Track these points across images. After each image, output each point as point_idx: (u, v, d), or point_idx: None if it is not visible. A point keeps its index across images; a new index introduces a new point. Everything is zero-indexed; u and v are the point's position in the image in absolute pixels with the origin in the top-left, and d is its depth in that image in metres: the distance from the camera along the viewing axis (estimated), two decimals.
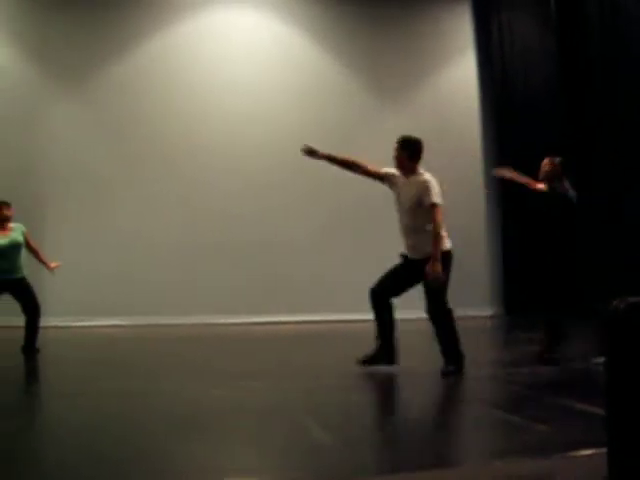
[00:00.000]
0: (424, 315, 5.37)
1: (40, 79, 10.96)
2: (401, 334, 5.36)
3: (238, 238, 10.64)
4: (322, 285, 10.28)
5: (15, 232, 6.84)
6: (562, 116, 10.49)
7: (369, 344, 5.26)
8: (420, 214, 5.22)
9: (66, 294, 9.98)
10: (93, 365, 6.20)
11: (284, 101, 11.27)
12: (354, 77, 11.63)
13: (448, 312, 5.35)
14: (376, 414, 3.88)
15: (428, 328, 5.39)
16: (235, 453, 3.04)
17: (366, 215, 10.59)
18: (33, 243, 7.03)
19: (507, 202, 10.95)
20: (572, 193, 6.00)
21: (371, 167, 5.57)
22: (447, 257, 5.35)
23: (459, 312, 10.56)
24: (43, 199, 10.64)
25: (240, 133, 11.10)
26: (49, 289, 8.75)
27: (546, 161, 6.15)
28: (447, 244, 5.37)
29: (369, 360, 5.14)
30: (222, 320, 10.24)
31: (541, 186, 6.08)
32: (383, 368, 5.20)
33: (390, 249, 11.36)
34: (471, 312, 10.87)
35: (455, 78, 11.96)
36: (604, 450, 2.10)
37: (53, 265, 7.16)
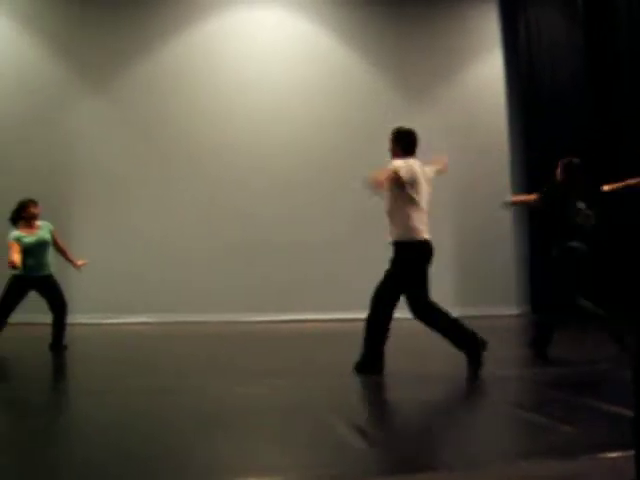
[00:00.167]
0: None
1: (67, 77, 11.08)
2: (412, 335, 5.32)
3: (263, 237, 10.67)
4: (348, 283, 10.25)
5: (42, 230, 6.92)
6: (589, 111, 10.37)
7: (392, 342, 5.24)
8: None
9: (93, 291, 10.10)
10: (120, 362, 6.25)
11: (310, 100, 11.28)
12: (380, 75, 11.59)
13: (429, 305, 5.19)
14: (400, 412, 3.87)
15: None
16: (260, 451, 3.05)
17: None
18: (60, 241, 7.11)
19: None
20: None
21: None
22: (422, 248, 5.21)
23: (485, 310, 10.64)
24: (70, 197, 10.76)
25: (265, 132, 11.12)
26: (76, 286, 8.85)
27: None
28: (423, 234, 5.20)
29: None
30: (247, 318, 10.28)
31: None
32: (409, 368, 5.19)
33: None
34: (497, 311, 10.83)
35: (482, 75, 11.88)
36: (631, 452, 2.07)
37: (80, 263, 7.25)
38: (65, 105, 10.98)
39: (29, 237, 6.81)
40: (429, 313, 5.15)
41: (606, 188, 6.22)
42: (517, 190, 11.16)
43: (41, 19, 11.07)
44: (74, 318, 7.76)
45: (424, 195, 5.24)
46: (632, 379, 2.07)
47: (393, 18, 11.59)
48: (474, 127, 11.31)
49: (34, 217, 6.94)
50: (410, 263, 5.18)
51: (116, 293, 10.39)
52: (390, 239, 5.23)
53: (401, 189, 5.08)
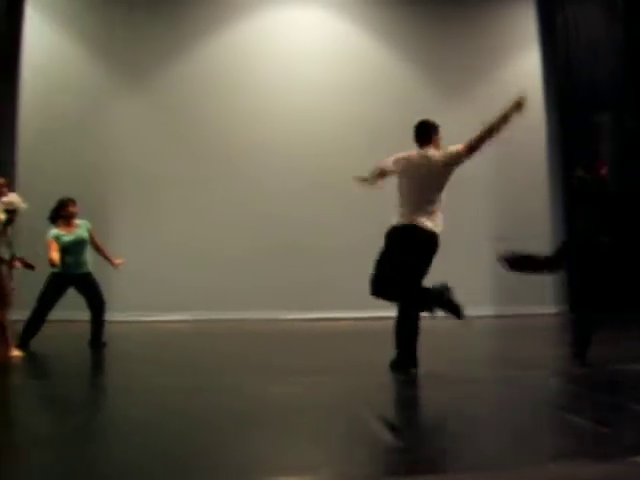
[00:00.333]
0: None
1: (107, 77, 11.26)
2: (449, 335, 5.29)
3: (297, 238, 10.70)
4: None
5: (80, 229, 7.03)
6: (628, 108, 10.20)
7: (428, 341, 5.23)
8: None
9: (131, 290, 10.24)
10: (157, 360, 6.32)
11: (345, 99, 11.26)
12: (417, 74, 11.56)
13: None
14: (435, 412, 3.86)
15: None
16: (294, 449, 3.05)
17: None
18: (98, 239, 7.22)
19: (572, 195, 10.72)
20: None
21: None
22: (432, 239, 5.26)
23: (522, 310, 10.54)
24: (106, 196, 10.92)
25: (299, 132, 11.17)
26: (114, 285, 8.97)
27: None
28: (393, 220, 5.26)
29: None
30: (282, 315, 10.33)
31: None
32: (447, 369, 5.17)
33: (453, 252, 11.28)
34: (534, 310, 10.72)
35: (519, 72, 11.79)
36: None
37: (117, 261, 7.34)
38: (104, 105, 11.16)
39: (68, 235, 6.93)
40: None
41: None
42: (554, 187, 11.06)
43: (81, 20, 11.25)
44: (112, 316, 7.86)
45: (406, 184, 5.31)
46: None
47: (430, 17, 11.55)
48: (510, 124, 11.18)
49: (73, 216, 7.06)
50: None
51: (154, 291, 10.52)
52: None
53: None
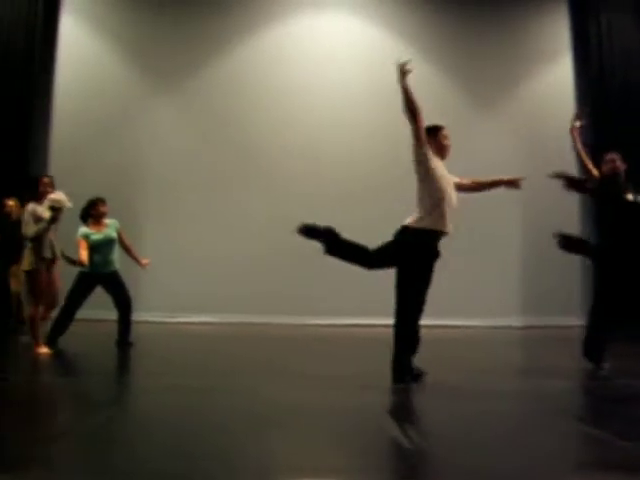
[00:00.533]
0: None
1: (140, 82, 11.39)
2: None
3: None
4: None
5: (109, 228, 7.13)
6: None
7: (450, 350, 5.21)
8: None
9: (158, 290, 10.34)
10: (180, 361, 6.38)
11: (375, 105, 11.23)
12: (449, 83, 11.52)
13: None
14: (455, 421, 3.85)
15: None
16: (311, 452, 3.07)
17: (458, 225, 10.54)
18: (126, 239, 7.31)
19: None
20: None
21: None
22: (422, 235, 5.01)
23: (548, 321, 10.43)
24: (137, 196, 11.02)
25: (331, 139, 11.17)
26: (141, 285, 9.08)
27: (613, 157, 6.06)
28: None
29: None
30: (308, 321, 10.34)
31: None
32: (467, 378, 5.15)
33: (482, 263, 11.14)
34: (560, 321, 10.60)
35: (551, 81, 11.70)
36: None
37: (144, 261, 7.42)
38: (136, 109, 11.28)
39: (97, 234, 7.03)
40: None
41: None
42: (585, 197, 10.93)
43: (115, 26, 11.40)
44: (138, 316, 7.94)
45: (450, 194, 5.13)
46: None
47: (461, 24, 11.50)
48: (542, 134, 11.11)
49: (102, 215, 7.16)
50: None
51: (179, 293, 10.60)
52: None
53: None
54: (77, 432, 3.26)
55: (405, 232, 5.04)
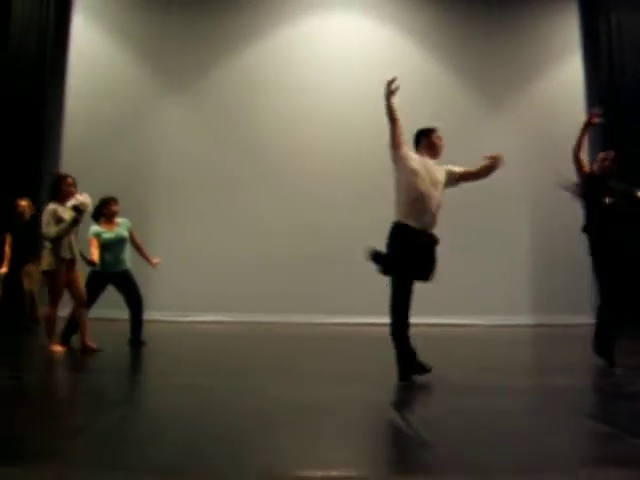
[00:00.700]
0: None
1: (151, 82, 11.46)
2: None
3: (334, 244, 10.72)
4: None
5: (121, 227, 7.19)
6: None
7: (460, 348, 5.23)
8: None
9: (168, 289, 10.40)
10: (191, 360, 6.42)
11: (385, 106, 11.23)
12: (457, 80, 11.54)
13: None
14: (464, 418, 3.87)
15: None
16: (318, 448, 3.10)
17: (469, 227, 10.59)
18: (137, 238, 7.37)
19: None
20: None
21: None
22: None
23: (559, 319, 10.41)
24: (147, 195, 11.10)
25: (341, 139, 11.20)
26: (153, 284, 9.14)
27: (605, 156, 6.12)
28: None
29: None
30: (318, 320, 10.37)
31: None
32: (476, 375, 5.16)
33: (492, 261, 11.13)
34: (571, 319, 10.59)
35: (561, 80, 11.70)
36: None
37: (155, 260, 7.48)
38: (147, 110, 11.36)
39: (108, 233, 7.09)
40: None
41: None
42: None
43: (126, 27, 11.47)
44: (150, 315, 8.00)
45: (429, 194, 5.23)
46: None
47: (471, 23, 11.51)
48: (552, 133, 11.09)
49: (114, 214, 7.22)
50: None
51: (190, 292, 10.67)
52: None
53: None
54: (90, 430, 3.30)
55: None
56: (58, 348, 6.43)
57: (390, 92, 5.59)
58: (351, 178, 11.06)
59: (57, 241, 6.41)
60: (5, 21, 10.56)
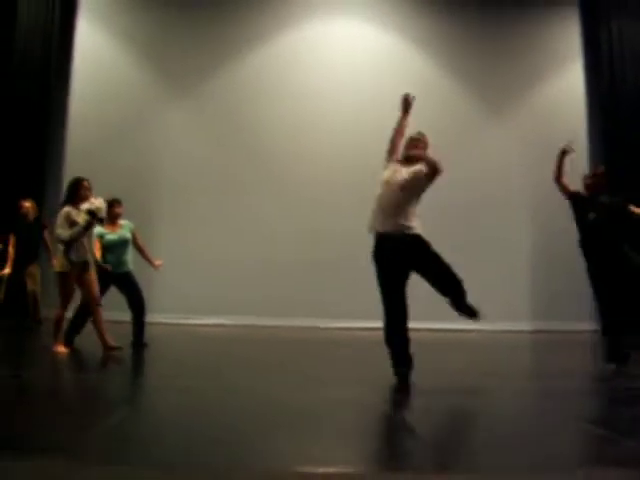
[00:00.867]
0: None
1: (154, 86, 11.53)
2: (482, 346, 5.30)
3: (338, 249, 10.77)
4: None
5: (124, 229, 7.24)
6: None
7: (459, 353, 5.25)
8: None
9: (171, 292, 10.44)
10: (193, 362, 6.45)
11: (389, 111, 11.27)
12: (459, 86, 11.60)
13: None
14: (463, 418, 3.90)
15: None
16: (325, 450, 3.13)
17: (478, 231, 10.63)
18: (140, 240, 7.41)
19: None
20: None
21: None
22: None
23: (560, 326, 10.43)
24: (150, 199, 11.15)
25: (345, 144, 11.25)
26: (155, 286, 9.18)
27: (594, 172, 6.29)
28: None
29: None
30: (322, 324, 10.41)
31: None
32: (476, 379, 5.18)
33: (492, 267, 11.14)
34: (572, 326, 10.62)
35: (562, 87, 11.75)
36: None
37: (157, 263, 7.51)
38: (151, 113, 11.42)
39: (111, 234, 7.14)
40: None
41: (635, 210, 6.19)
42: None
43: (130, 30, 11.54)
44: (152, 317, 8.03)
45: (382, 194, 5.41)
46: None
47: (473, 30, 11.57)
48: (552, 139, 11.09)
49: (117, 216, 7.27)
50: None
51: (193, 295, 10.71)
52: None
53: None
54: (93, 430, 3.32)
55: None
56: (62, 349, 6.47)
57: (408, 106, 5.82)
58: (355, 183, 11.07)
59: (70, 244, 6.44)
60: (11, 25, 10.64)
